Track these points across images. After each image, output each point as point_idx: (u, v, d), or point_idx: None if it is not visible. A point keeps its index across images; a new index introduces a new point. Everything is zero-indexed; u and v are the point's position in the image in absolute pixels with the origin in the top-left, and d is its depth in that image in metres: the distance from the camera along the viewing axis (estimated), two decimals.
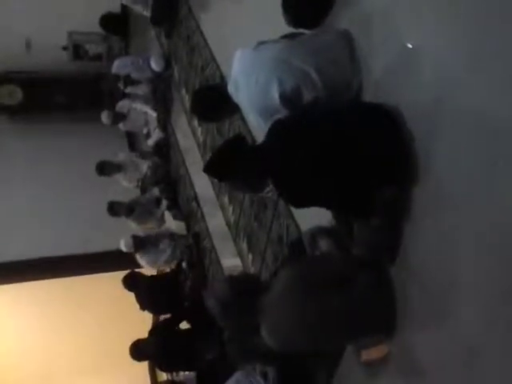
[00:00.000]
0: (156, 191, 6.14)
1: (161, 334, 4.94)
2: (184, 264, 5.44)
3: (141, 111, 6.32)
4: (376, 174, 2.26)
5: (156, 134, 6.33)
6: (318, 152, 2.25)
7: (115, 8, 6.76)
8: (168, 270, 5.75)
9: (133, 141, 7.59)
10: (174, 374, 5.28)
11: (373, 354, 2.50)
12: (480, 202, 1.97)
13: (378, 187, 2.27)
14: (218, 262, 4.92)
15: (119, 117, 6.30)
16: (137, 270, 5.53)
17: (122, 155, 6.38)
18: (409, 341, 2.34)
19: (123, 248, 5.30)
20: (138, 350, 4.85)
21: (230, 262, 4.58)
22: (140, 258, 5.46)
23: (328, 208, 2.55)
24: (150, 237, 5.55)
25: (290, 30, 2.83)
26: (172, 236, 5.62)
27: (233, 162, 2.46)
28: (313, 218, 2.77)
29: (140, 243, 5.35)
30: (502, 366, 1.93)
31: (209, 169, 2.61)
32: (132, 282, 5.23)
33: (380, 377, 2.55)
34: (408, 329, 2.31)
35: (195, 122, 5.31)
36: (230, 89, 2.66)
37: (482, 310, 2.00)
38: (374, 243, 2.37)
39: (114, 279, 5.70)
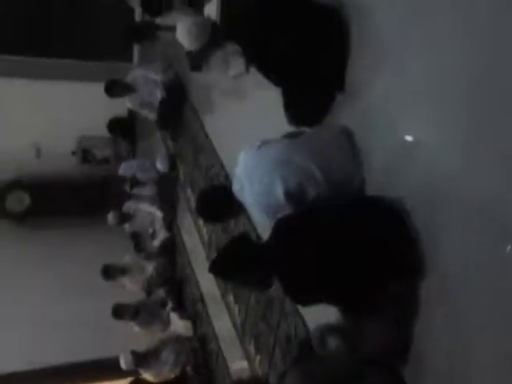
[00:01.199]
0: (161, 292, 6.06)
1: None
2: (189, 368, 5.26)
3: (146, 211, 6.36)
4: (382, 269, 2.22)
5: (161, 234, 6.34)
6: (322, 249, 2.23)
7: (122, 112, 6.98)
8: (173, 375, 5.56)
9: (138, 242, 7.57)
10: None
11: None
12: (489, 293, 1.92)
13: (385, 283, 2.23)
14: (225, 365, 4.75)
15: (125, 217, 6.33)
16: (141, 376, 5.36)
17: (128, 257, 6.35)
18: None
19: (123, 366, 5.16)
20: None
21: (238, 364, 4.43)
22: (143, 373, 5.33)
23: (335, 305, 2.48)
24: (150, 351, 5.42)
25: (292, 128, 2.90)
26: (177, 339, 5.49)
27: (238, 261, 2.44)
28: (321, 315, 2.69)
29: (140, 360, 5.23)
30: None
31: (214, 268, 2.59)
32: None
33: None
34: None
35: (200, 221, 5.33)
36: (235, 188, 2.69)
37: None
38: (384, 341, 2.30)
39: None
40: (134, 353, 5.21)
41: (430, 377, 2.20)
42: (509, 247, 1.83)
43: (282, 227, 2.40)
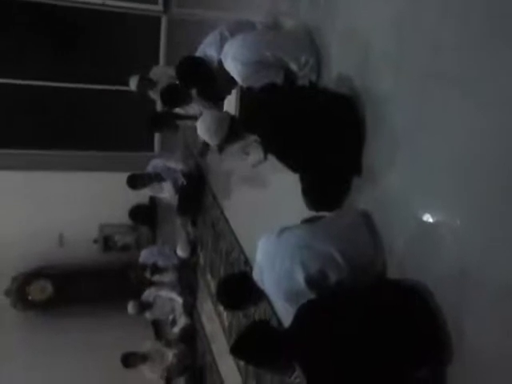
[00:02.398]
0: (181, 381, 5.96)
1: None
2: None
3: (166, 298, 6.36)
4: (406, 355, 2.19)
5: (182, 321, 6.30)
6: (345, 338, 2.21)
7: (143, 199, 7.15)
8: None
9: (158, 329, 7.53)
10: None
11: None
12: None
13: (411, 369, 2.20)
14: None
15: (145, 306, 6.33)
16: None
17: (148, 344, 6.30)
18: None
19: None
20: None
21: None
22: None
23: None
24: None
25: (311, 213, 2.95)
26: None
27: (259, 346, 2.43)
28: None
29: None
30: None
31: (235, 351, 2.57)
32: None
33: None
34: None
35: (221, 307, 5.30)
36: (256, 275, 2.69)
37: None
38: None
39: None
40: None
41: None
42: None
43: (303, 314, 2.40)
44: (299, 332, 2.36)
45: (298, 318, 2.39)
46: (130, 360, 5.82)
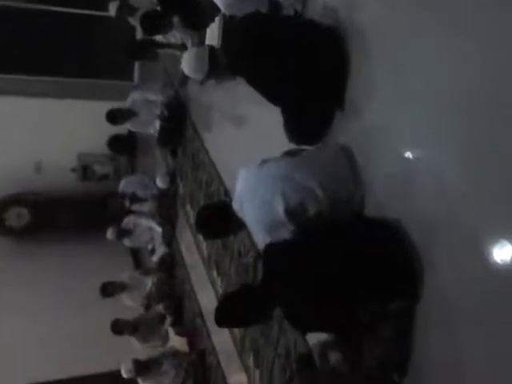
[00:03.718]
0: (160, 308, 6.07)
1: None
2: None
3: (146, 227, 6.39)
4: (381, 288, 2.26)
5: (161, 250, 6.36)
6: (326, 276, 2.28)
7: (123, 129, 7.05)
8: None
9: (137, 258, 7.61)
10: None
11: None
12: (487, 307, 1.96)
13: (385, 300, 2.27)
14: (225, 380, 4.76)
15: (124, 232, 6.35)
16: None
17: (127, 273, 6.36)
18: None
19: (124, 374, 5.15)
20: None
21: (237, 378, 4.44)
22: (143, 382, 5.31)
23: (334, 333, 2.51)
24: (151, 360, 5.41)
25: (291, 146, 2.96)
26: (175, 354, 5.49)
27: (241, 308, 2.53)
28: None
29: (141, 368, 5.21)
30: None
31: (221, 322, 2.65)
32: None
33: None
34: None
35: (200, 237, 5.36)
36: (235, 206, 2.71)
37: None
38: (384, 356, 2.33)
39: None
40: (135, 361, 5.20)
41: None
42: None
43: (270, 258, 2.50)
44: (274, 276, 2.43)
45: (266, 264, 2.48)
46: (108, 289, 5.88)
